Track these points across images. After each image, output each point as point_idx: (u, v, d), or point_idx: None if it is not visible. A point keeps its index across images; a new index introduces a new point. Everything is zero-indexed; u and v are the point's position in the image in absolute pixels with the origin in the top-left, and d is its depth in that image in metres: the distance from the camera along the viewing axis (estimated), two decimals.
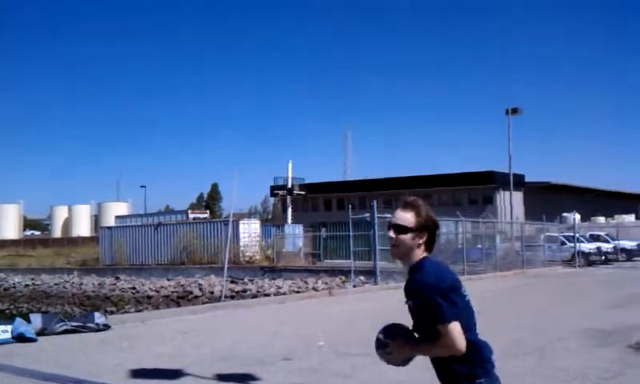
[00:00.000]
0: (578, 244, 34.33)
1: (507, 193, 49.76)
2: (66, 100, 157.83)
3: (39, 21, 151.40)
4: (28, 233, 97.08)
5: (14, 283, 38.79)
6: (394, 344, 2.98)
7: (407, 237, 3.01)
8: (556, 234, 35.59)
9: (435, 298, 2.82)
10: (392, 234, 3.05)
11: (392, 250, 3.10)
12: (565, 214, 45.89)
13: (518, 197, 54.91)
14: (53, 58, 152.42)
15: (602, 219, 53.36)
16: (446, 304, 2.82)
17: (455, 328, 2.82)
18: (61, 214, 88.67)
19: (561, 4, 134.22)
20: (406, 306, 3.02)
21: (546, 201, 54.01)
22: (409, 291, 2.97)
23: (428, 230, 3.04)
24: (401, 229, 3.03)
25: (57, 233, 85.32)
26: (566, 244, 34.89)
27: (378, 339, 3.07)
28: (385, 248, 24.87)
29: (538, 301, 17.45)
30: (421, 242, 3.02)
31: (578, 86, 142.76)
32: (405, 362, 3.07)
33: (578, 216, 42.64)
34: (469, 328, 2.90)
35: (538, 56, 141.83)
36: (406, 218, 3.04)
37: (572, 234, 35.08)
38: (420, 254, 3.03)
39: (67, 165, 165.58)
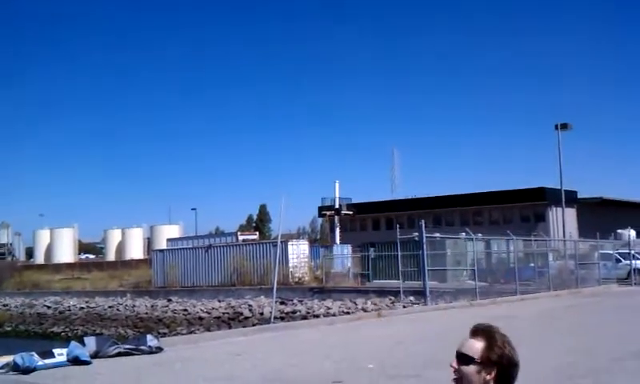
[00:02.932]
0: (633, 261, 33.44)
1: (559, 210, 48.89)
2: (115, 123, 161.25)
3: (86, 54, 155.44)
4: (83, 256, 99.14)
5: (69, 306, 39.61)
6: None
7: (470, 370, 2.56)
8: (611, 252, 34.74)
9: None
10: (454, 363, 2.62)
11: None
12: (619, 231, 44.76)
13: (570, 213, 53.90)
14: (95, 78, 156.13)
15: None
16: None
17: None
18: (114, 237, 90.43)
19: (606, 15, 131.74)
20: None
21: (599, 217, 52.88)
22: None
23: (499, 366, 2.55)
24: (464, 359, 2.59)
25: (110, 256, 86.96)
26: (621, 261, 34.04)
27: None
28: (435, 268, 24.72)
29: (593, 320, 17.03)
30: (489, 378, 2.55)
31: (632, 98, 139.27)
32: None
33: (633, 232, 41.62)
34: None
35: (589, 66, 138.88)
36: (473, 346, 2.59)
37: (627, 251, 34.21)
38: None
39: (119, 188, 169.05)
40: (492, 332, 2.61)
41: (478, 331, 2.63)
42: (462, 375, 2.57)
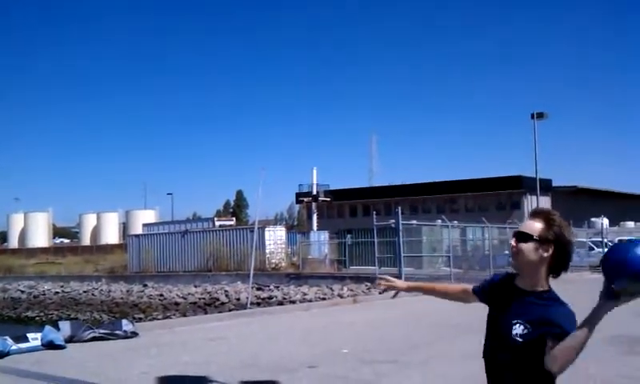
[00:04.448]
0: (606, 249, 33.88)
1: (534, 198, 49.32)
2: (92, 109, 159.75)
3: (54, 31, 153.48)
4: (57, 241, 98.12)
5: (43, 290, 39.25)
6: None
7: (528, 246, 2.75)
8: (584, 239, 35.17)
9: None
10: (513, 241, 2.81)
11: (512, 259, 2.87)
12: (593, 219, 45.34)
13: (545, 202, 54.39)
14: (74, 66, 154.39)
15: (631, 224, 52.63)
16: None
17: None
18: (89, 221, 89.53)
19: (581, 5, 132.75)
20: (519, 330, 2.77)
21: (573, 205, 53.47)
22: (539, 320, 2.75)
23: (556, 245, 2.75)
24: (522, 236, 2.78)
25: (85, 240, 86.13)
26: (594, 249, 34.49)
27: None
28: (411, 255, 24.90)
29: None
30: (546, 255, 2.75)
31: (607, 88, 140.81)
32: None
33: (606, 220, 42.13)
34: None
35: (566, 57, 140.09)
36: (533, 226, 2.78)
37: (600, 239, 34.66)
38: (544, 275, 2.81)
39: (95, 173, 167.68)
40: (551, 214, 2.82)
41: (538, 213, 2.85)
42: (520, 251, 2.79)
